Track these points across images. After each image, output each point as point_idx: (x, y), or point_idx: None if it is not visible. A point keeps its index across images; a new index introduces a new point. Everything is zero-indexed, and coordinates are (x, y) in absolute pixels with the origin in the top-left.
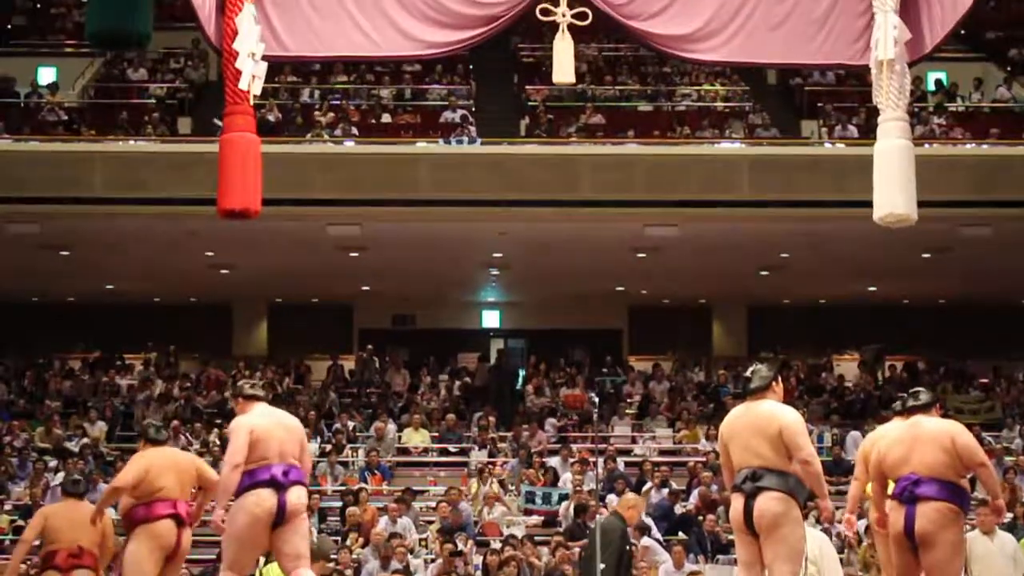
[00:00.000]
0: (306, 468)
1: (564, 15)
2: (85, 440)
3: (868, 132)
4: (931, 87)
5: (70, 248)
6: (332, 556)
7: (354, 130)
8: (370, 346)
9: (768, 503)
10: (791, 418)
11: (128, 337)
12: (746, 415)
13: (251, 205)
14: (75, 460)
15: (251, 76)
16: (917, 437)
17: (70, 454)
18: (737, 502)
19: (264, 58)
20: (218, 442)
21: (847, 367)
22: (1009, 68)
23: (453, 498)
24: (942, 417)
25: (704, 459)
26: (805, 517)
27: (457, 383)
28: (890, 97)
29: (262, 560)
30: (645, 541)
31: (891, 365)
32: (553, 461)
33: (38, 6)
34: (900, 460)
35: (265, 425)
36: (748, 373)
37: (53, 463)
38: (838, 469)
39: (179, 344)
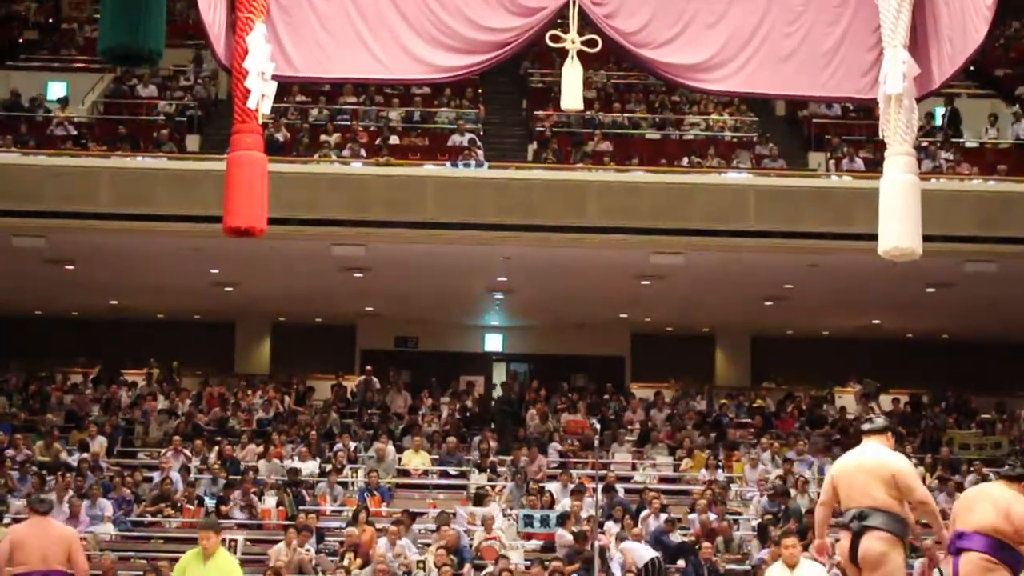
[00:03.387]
0: (79, 569)
1: (574, 42)
2: (84, 455)
3: (875, 165)
4: (939, 122)
5: (75, 263)
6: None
7: (362, 151)
8: (369, 367)
9: (873, 542)
10: (904, 464)
11: (130, 353)
12: (859, 457)
13: (257, 223)
14: (65, 474)
15: (260, 95)
16: (861, 467)
17: (68, 468)
18: (845, 539)
19: (274, 78)
20: (217, 460)
21: (849, 400)
22: (1017, 105)
23: (447, 530)
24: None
25: (704, 487)
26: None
27: (458, 405)
28: (897, 131)
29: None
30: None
31: (894, 399)
32: (553, 486)
33: (50, 21)
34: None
35: (25, 533)
36: (866, 418)
37: (52, 478)
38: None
39: (181, 361)
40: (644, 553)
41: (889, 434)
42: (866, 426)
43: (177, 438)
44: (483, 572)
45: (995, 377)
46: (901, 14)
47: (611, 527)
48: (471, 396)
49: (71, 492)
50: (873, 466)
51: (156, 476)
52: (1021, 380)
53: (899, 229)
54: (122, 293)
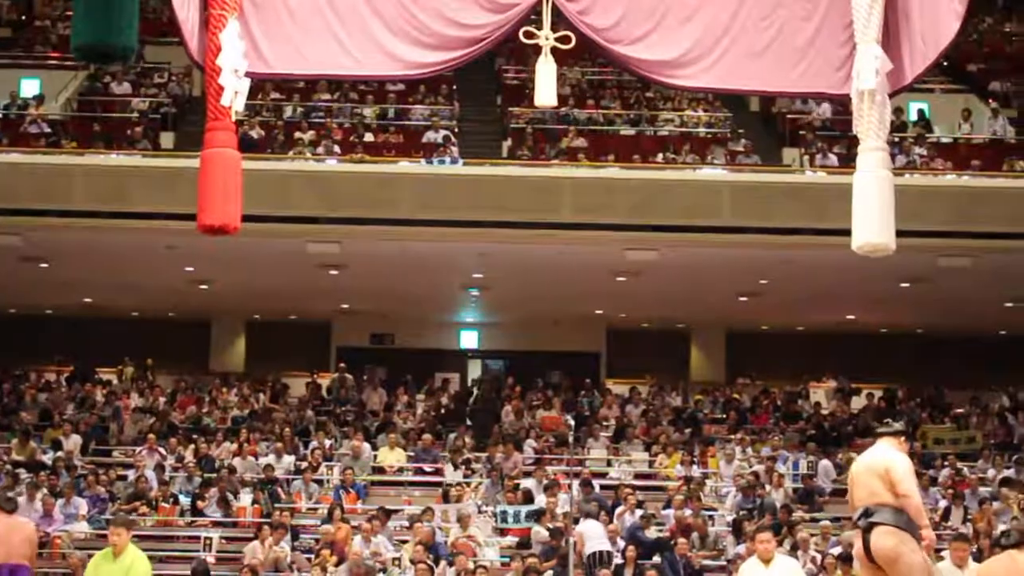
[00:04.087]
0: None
1: (547, 38)
2: (59, 453)
3: (849, 161)
4: (913, 118)
5: (50, 261)
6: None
7: (336, 148)
8: (342, 364)
9: (882, 538)
10: (899, 459)
11: (105, 351)
12: (867, 458)
13: (231, 221)
14: (40, 473)
15: (234, 92)
16: (866, 467)
17: (43, 467)
18: (857, 537)
19: (247, 74)
20: (192, 459)
21: (824, 394)
22: (990, 100)
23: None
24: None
25: (680, 484)
26: (780, 543)
27: (434, 402)
28: (870, 127)
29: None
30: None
31: (868, 393)
32: (528, 483)
33: (23, 18)
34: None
35: None
36: (884, 421)
37: (26, 476)
38: (809, 498)
39: (156, 359)
40: (595, 543)
41: (903, 438)
42: (880, 428)
43: (152, 436)
44: (457, 568)
45: (969, 371)
46: (873, 10)
47: (588, 524)
48: (447, 393)
49: (44, 490)
50: (875, 464)
51: (131, 474)
52: (995, 374)
53: (872, 225)
54: (97, 291)
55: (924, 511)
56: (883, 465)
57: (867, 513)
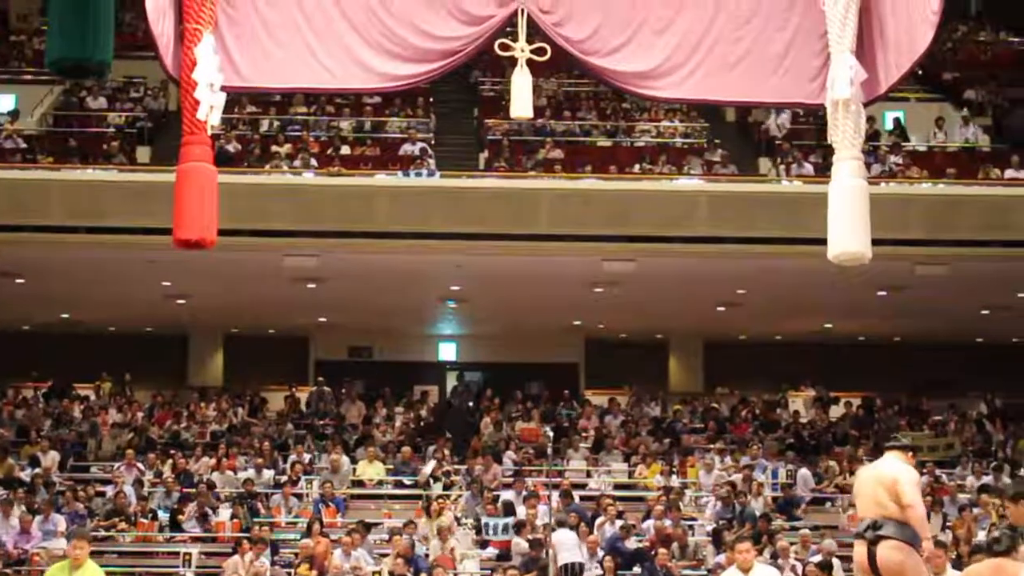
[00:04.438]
0: None
1: (523, 50)
2: (37, 470)
3: (825, 170)
4: (888, 126)
5: (26, 276)
6: None
7: (313, 161)
8: (321, 378)
9: (889, 552)
10: (906, 471)
11: (83, 366)
12: (874, 470)
13: (207, 236)
14: (17, 490)
15: (209, 106)
16: (871, 478)
17: (20, 484)
18: (860, 548)
19: (223, 88)
20: (171, 474)
21: (802, 403)
22: (965, 109)
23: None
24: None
25: (659, 494)
26: (759, 552)
27: (413, 415)
28: (845, 136)
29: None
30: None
31: (847, 402)
32: (508, 495)
33: None
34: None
35: None
36: (892, 436)
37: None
38: (788, 507)
39: (134, 374)
40: (567, 555)
41: (910, 453)
42: (890, 443)
43: (130, 452)
44: None
45: (947, 379)
46: (847, 20)
47: (565, 535)
48: (425, 405)
49: (22, 507)
50: (883, 475)
51: (109, 490)
52: (973, 381)
53: (848, 234)
54: (74, 306)
55: (927, 524)
56: (891, 476)
57: (875, 526)
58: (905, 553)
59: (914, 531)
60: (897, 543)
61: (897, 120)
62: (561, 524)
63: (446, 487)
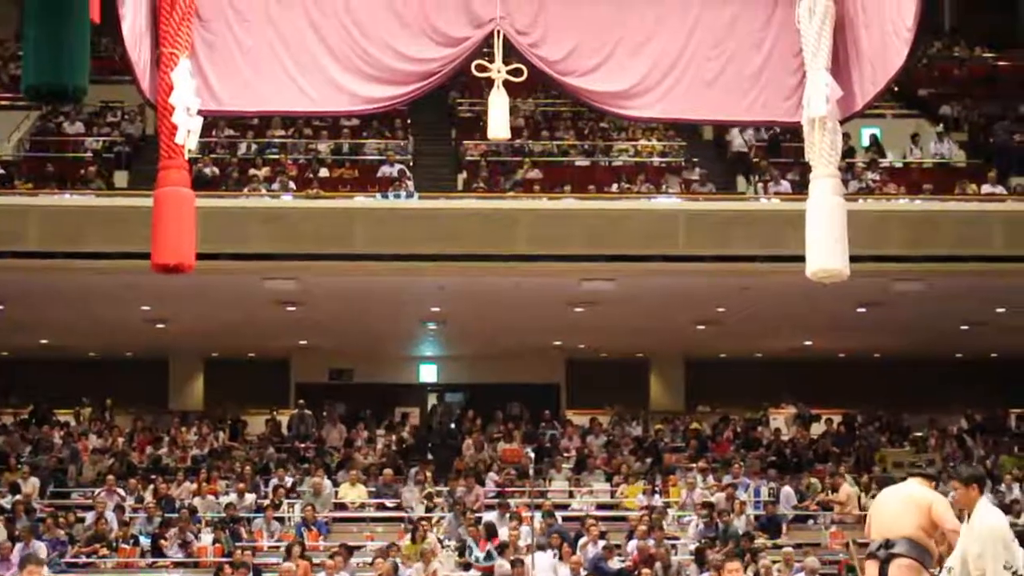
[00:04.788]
0: None
1: (499, 71)
2: (17, 496)
3: (803, 187)
4: (864, 143)
5: (4, 302)
6: None
7: (291, 184)
8: (301, 401)
9: (902, 571)
10: (941, 498)
11: (63, 392)
12: (901, 492)
13: (185, 260)
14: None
15: (186, 131)
16: (896, 498)
17: (1, 511)
18: (872, 569)
19: (200, 113)
20: (152, 499)
21: (783, 421)
22: (941, 124)
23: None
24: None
25: (642, 514)
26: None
27: (394, 437)
28: (822, 154)
29: None
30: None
31: (827, 419)
32: (490, 516)
33: None
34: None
35: None
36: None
37: None
38: (771, 525)
39: (115, 399)
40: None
41: (933, 483)
42: (915, 470)
43: (111, 477)
44: None
45: (927, 395)
46: (822, 38)
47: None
48: (406, 427)
49: (2, 534)
50: (910, 497)
51: (90, 516)
52: (953, 397)
53: (826, 251)
54: (52, 332)
55: None
56: (928, 500)
57: (888, 545)
58: (916, 573)
59: (927, 554)
60: (910, 562)
61: (873, 136)
62: (541, 548)
63: (428, 509)
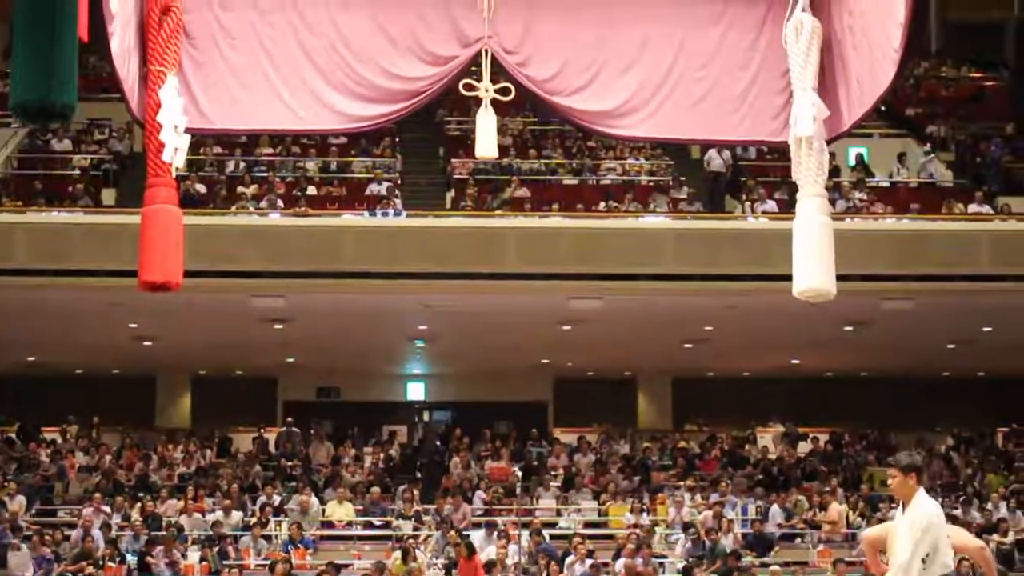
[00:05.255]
0: None
1: (487, 90)
2: (3, 514)
3: (790, 206)
4: (851, 162)
5: None
6: None
7: (279, 202)
8: (290, 419)
9: None
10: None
11: (50, 410)
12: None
13: (172, 278)
14: None
15: (174, 148)
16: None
17: None
18: None
19: (187, 130)
20: (139, 517)
21: (771, 439)
22: (928, 144)
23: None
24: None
25: (629, 532)
26: None
27: (382, 455)
28: (809, 173)
29: None
30: None
31: (814, 437)
32: (477, 534)
33: None
34: None
35: None
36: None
37: None
38: (759, 543)
39: (102, 416)
40: None
41: None
42: None
43: (98, 495)
44: None
45: (914, 414)
46: (809, 58)
47: None
48: (393, 445)
49: None
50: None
51: (76, 534)
52: (940, 416)
53: (813, 270)
54: (40, 349)
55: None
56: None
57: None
58: None
59: None
60: None
61: (860, 156)
62: (525, 573)
63: (415, 528)
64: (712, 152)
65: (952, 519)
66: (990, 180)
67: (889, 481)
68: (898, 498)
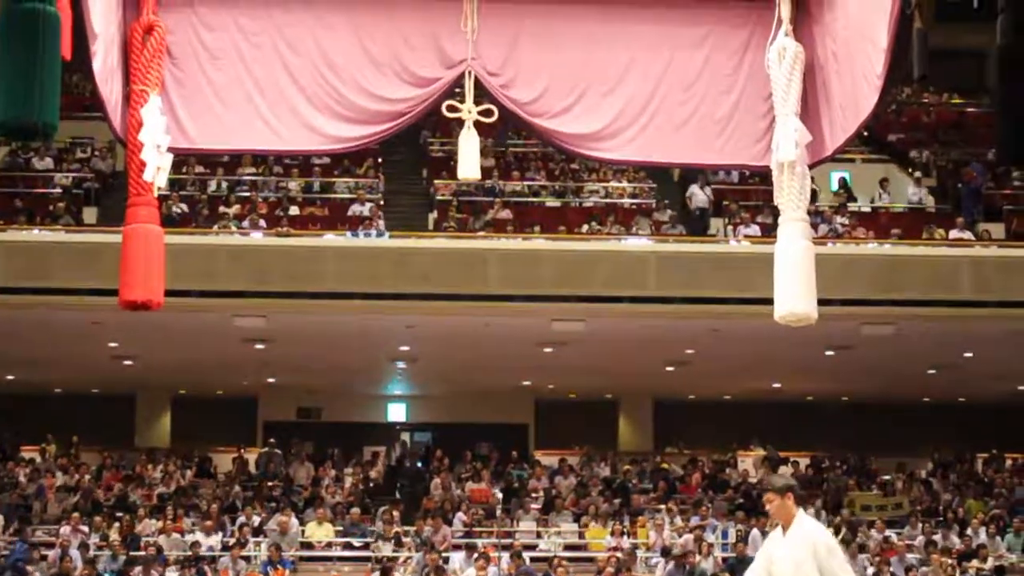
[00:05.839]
0: None
1: (470, 111)
2: None
3: (772, 230)
4: (834, 187)
5: None
6: None
7: (262, 222)
8: (272, 439)
9: None
10: None
11: (28, 428)
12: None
13: (153, 297)
14: None
15: (156, 168)
16: None
17: None
18: None
19: (170, 150)
20: (118, 537)
21: (752, 463)
22: (910, 169)
23: None
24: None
25: (610, 555)
26: None
27: (362, 476)
28: (791, 198)
29: None
30: None
31: (794, 461)
32: (457, 556)
33: None
34: None
35: None
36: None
37: None
38: (741, 566)
39: (80, 435)
40: None
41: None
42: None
43: (76, 515)
44: None
45: (895, 438)
46: (792, 83)
47: None
48: (375, 467)
49: None
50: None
51: (54, 554)
52: (921, 440)
53: (794, 295)
54: (19, 368)
55: None
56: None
57: None
58: None
59: None
60: None
61: (843, 180)
62: None
63: (395, 549)
64: (694, 188)
65: (931, 543)
66: (972, 207)
67: (767, 507)
68: (777, 521)
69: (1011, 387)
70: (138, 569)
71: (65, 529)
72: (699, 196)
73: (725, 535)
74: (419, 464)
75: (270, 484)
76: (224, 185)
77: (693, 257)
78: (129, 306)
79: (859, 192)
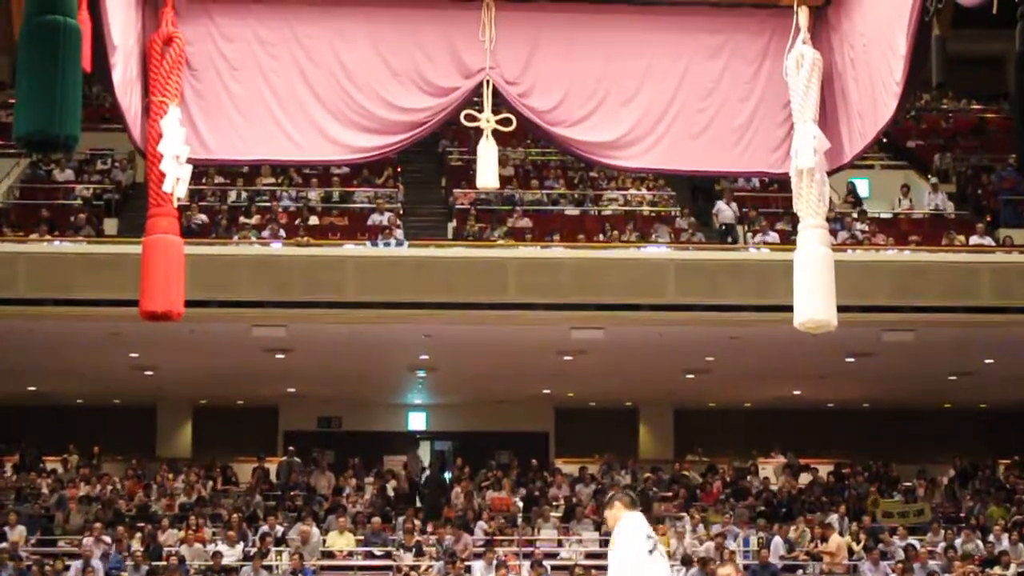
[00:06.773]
0: None
1: (488, 121)
2: (3, 544)
3: (792, 237)
4: (862, 193)
5: None
6: None
7: (281, 232)
8: (291, 448)
9: None
10: None
11: (51, 439)
12: None
13: (173, 307)
14: None
15: (175, 179)
16: None
17: None
18: None
19: (189, 161)
20: (140, 547)
21: (772, 470)
22: (929, 176)
23: None
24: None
25: None
26: None
27: (383, 485)
28: (810, 205)
29: None
30: None
31: (815, 468)
32: (478, 565)
33: None
34: None
35: None
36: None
37: None
38: (764, 573)
39: (103, 446)
40: None
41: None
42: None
43: (98, 525)
44: None
45: (916, 444)
46: (810, 90)
47: None
48: (395, 477)
49: None
50: None
51: (76, 564)
52: (942, 447)
53: (813, 302)
54: (41, 379)
55: None
56: None
57: None
58: None
59: None
60: None
61: (850, 185)
62: None
63: (416, 558)
64: (720, 204)
65: (953, 550)
66: (994, 211)
67: (606, 516)
68: (610, 528)
69: None
70: None
71: (88, 540)
72: (725, 212)
73: (747, 543)
74: (439, 473)
75: (291, 494)
76: (244, 195)
77: (712, 265)
78: (150, 316)
79: (878, 199)
